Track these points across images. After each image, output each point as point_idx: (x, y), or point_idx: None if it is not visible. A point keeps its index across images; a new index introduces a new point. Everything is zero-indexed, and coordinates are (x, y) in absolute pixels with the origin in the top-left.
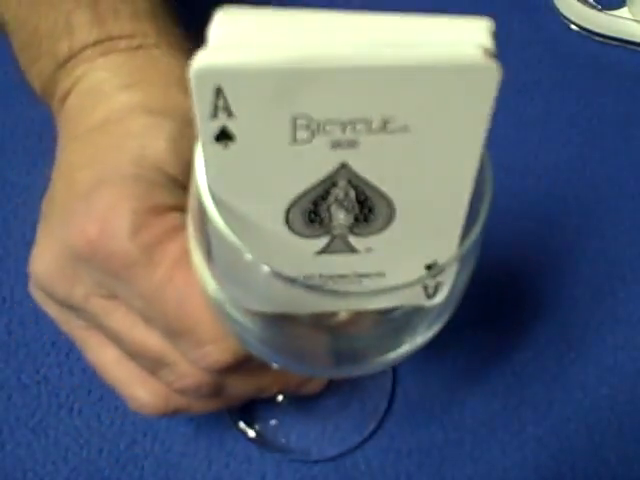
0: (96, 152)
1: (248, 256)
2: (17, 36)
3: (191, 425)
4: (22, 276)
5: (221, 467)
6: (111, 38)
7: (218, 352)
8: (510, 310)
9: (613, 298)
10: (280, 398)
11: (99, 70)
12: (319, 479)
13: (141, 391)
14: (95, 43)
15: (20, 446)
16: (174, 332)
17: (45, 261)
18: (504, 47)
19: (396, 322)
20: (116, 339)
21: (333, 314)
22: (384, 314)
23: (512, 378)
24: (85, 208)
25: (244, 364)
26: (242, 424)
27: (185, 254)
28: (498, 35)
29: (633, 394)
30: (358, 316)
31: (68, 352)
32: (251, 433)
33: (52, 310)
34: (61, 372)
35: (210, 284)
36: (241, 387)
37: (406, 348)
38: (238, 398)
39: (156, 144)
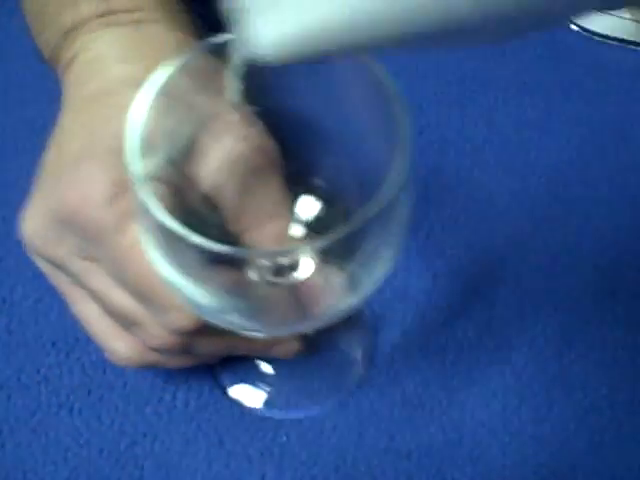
0: (87, 122)
1: (196, 239)
2: (30, 7)
3: (191, 425)
4: (22, 276)
5: (221, 467)
6: (113, 12)
7: (181, 318)
8: (510, 310)
9: (613, 298)
10: (269, 368)
11: (99, 42)
12: (319, 479)
13: (119, 345)
14: (98, 16)
15: (20, 446)
16: (140, 296)
17: (33, 223)
18: (504, 47)
19: (357, 260)
20: (95, 297)
21: (291, 273)
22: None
23: (512, 378)
24: (70, 176)
25: (209, 327)
26: (231, 392)
27: None
28: None
29: (633, 394)
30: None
31: (68, 352)
32: (244, 401)
33: (42, 265)
34: (61, 372)
35: (159, 263)
36: (210, 347)
37: (369, 287)
38: (210, 356)
39: (153, 117)
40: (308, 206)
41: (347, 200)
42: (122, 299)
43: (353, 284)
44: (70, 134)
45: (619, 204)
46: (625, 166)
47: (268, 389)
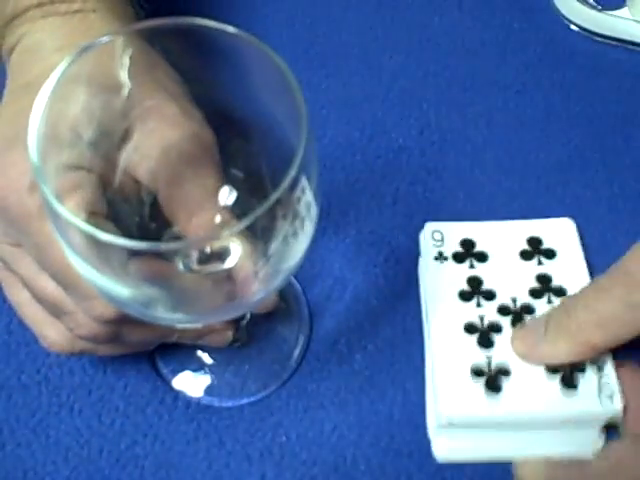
0: (18, 110)
1: (105, 236)
2: None
3: (191, 425)
4: None
5: (221, 467)
6: (52, 2)
7: (102, 306)
8: None
9: None
10: (208, 358)
11: (39, 31)
12: (319, 479)
13: (50, 331)
14: (38, 5)
15: (20, 446)
16: (63, 284)
17: None
18: (504, 47)
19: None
20: (24, 283)
21: (217, 261)
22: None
23: None
24: None
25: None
26: (174, 383)
27: (76, 211)
28: (498, 35)
29: None
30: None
31: None
32: (187, 391)
33: None
34: (61, 372)
35: (75, 261)
36: (140, 335)
37: (298, 256)
38: (141, 344)
39: (72, 106)
40: (232, 197)
41: (267, 190)
42: (48, 286)
43: (275, 267)
44: (2, 121)
45: (619, 204)
46: (625, 166)
47: (209, 378)
